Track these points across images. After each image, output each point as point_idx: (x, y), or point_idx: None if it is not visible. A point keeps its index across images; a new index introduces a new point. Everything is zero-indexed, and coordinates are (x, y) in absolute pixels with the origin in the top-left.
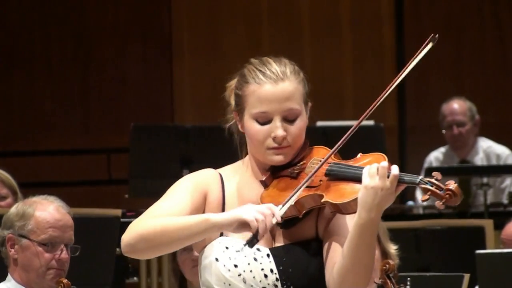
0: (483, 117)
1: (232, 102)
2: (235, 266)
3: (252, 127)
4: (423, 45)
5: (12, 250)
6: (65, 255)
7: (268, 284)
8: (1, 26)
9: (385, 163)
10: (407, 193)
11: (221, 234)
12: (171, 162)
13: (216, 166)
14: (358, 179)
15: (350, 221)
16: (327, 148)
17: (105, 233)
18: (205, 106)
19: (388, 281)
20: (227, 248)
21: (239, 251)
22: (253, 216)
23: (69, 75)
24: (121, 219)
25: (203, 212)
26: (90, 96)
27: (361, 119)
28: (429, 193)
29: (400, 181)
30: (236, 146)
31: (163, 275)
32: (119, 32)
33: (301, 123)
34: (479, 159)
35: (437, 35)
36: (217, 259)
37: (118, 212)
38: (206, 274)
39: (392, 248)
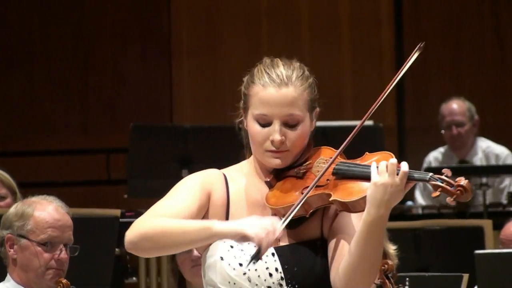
0: (482, 117)
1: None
2: (240, 265)
3: (253, 128)
4: (411, 55)
5: (11, 250)
6: (64, 255)
7: (273, 283)
8: (1, 26)
9: (394, 160)
10: (406, 193)
11: None
12: (170, 162)
13: (215, 166)
14: (366, 177)
15: (355, 220)
16: (332, 148)
17: (104, 233)
18: (204, 106)
19: (387, 281)
20: (232, 247)
21: (246, 266)
22: (255, 234)
23: (68, 75)
24: (120, 219)
25: (207, 211)
26: (89, 96)
27: (362, 121)
28: (439, 189)
29: (409, 178)
30: (234, 146)
31: (162, 275)
32: (118, 32)
33: (302, 128)
34: (478, 159)
35: (423, 43)
36: (222, 258)
37: (117, 212)
38: (211, 273)
39: (391, 248)
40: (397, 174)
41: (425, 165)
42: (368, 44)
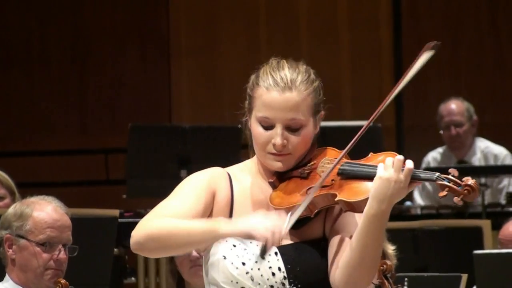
0: (481, 118)
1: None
2: (243, 264)
3: (256, 129)
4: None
5: (10, 250)
6: (63, 255)
7: (276, 282)
8: (0, 26)
9: (401, 157)
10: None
11: None
12: (169, 162)
13: (214, 166)
14: (371, 178)
15: (359, 220)
16: (335, 149)
17: (103, 233)
18: (203, 106)
19: (385, 281)
20: (234, 246)
21: (256, 261)
22: (260, 235)
23: (67, 75)
24: (119, 220)
25: (211, 211)
26: (88, 96)
27: (368, 121)
28: (446, 189)
29: (416, 178)
30: (233, 146)
31: (161, 276)
32: (117, 32)
33: (305, 133)
34: (477, 160)
35: (439, 42)
36: (224, 257)
37: (116, 212)
38: (213, 272)
39: (390, 249)
40: (402, 171)
41: (423, 165)
42: (367, 44)
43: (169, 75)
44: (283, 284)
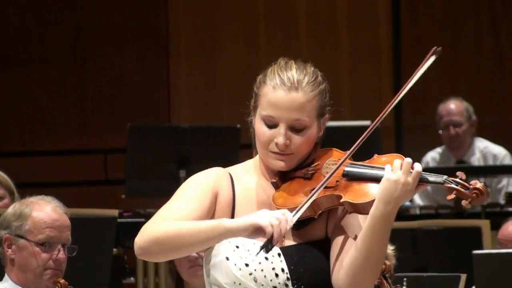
0: (480, 118)
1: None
2: (246, 265)
3: (259, 127)
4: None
5: (9, 250)
6: (62, 255)
7: (279, 283)
8: None
9: (409, 159)
10: None
11: None
12: (168, 162)
13: (213, 166)
14: (376, 179)
15: (362, 221)
16: (338, 150)
17: (102, 233)
18: (202, 106)
19: (384, 281)
20: (237, 247)
21: (256, 254)
22: (268, 222)
23: (66, 75)
24: (118, 220)
25: (214, 211)
26: (87, 96)
27: (374, 123)
28: (454, 192)
29: (424, 180)
30: (232, 146)
31: (160, 276)
32: (116, 32)
33: (308, 134)
34: (476, 160)
35: (440, 48)
36: (227, 258)
37: (115, 212)
38: (216, 273)
39: (389, 249)
40: (411, 173)
41: (422, 165)
42: (366, 44)
43: (168, 75)
44: (286, 285)
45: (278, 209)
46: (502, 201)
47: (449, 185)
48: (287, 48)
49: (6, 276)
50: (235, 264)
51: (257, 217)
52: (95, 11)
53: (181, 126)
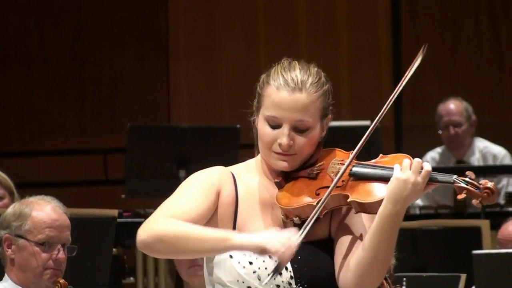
0: (480, 118)
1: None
2: (250, 263)
3: (262, 128)
4: (415, 59)
5: (9, 250)
6: (62, 255)
7: (283, 281)
8: None
9: (418, 159)
10: None
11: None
12: (167, 162)
13: (213, 166)
14: (383, 179)
15: (366, 221)
16: (342, 150)
17: (102, 233)
18: (202, 106)
19: (384, 281)
20: None
21: (268, 279)
22: (276, 249)
23: (65, 75)
24: (118, 219)
25: (216, 210)
26: (87, 96)
27: (373, 124)
28: (465, 191)
29: (433, 180)
30: (232, 146)
31: (159, 275)
32: (115, 32)
33: (312, 134)
34: (476, 160)
35: (426, 45)
36: (231, 256)
37: (114, 212)
38: (219, 271)
39: None
40: (420, 173)
41: None
42: (366, 44)
43: (167, 75)
44: (290, 284)
45: (282, 208)
46: (502, 201)
47: (459, 184)
48: (287, 48)
49: (6, 276)
50: (239, 262)
51: (265, 240)
52: (95, 11)
53: (181, 126)
